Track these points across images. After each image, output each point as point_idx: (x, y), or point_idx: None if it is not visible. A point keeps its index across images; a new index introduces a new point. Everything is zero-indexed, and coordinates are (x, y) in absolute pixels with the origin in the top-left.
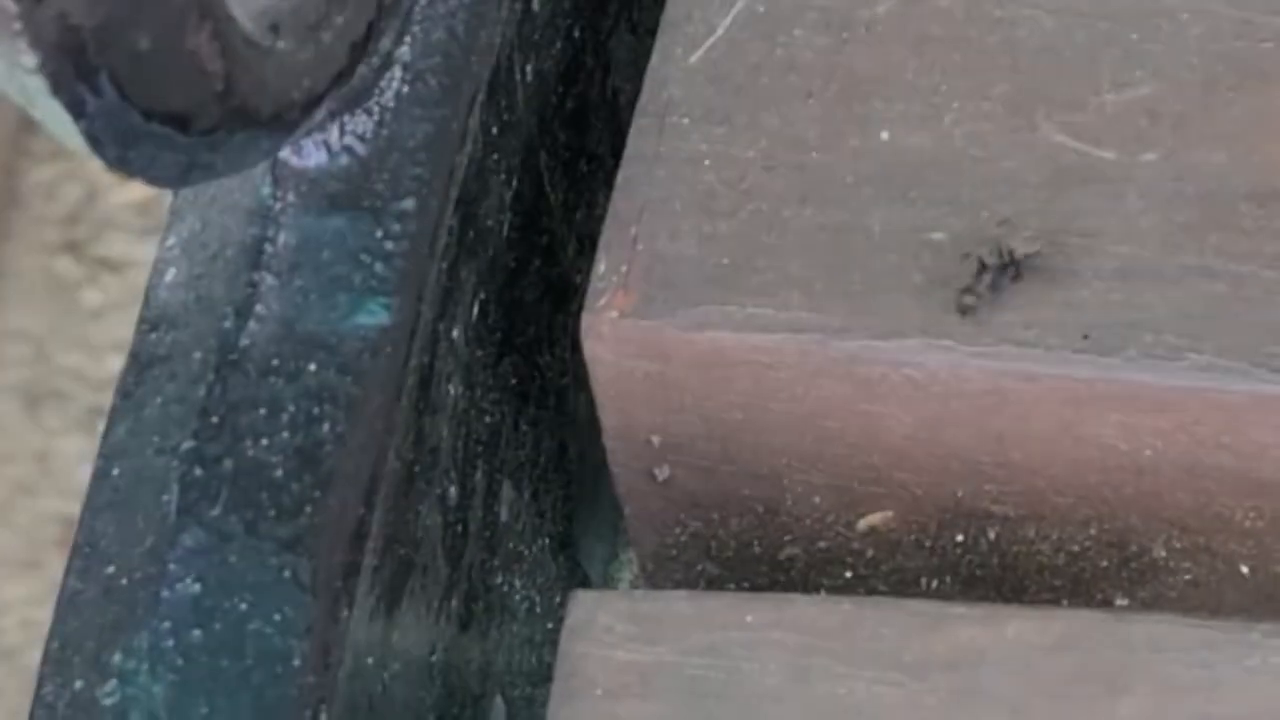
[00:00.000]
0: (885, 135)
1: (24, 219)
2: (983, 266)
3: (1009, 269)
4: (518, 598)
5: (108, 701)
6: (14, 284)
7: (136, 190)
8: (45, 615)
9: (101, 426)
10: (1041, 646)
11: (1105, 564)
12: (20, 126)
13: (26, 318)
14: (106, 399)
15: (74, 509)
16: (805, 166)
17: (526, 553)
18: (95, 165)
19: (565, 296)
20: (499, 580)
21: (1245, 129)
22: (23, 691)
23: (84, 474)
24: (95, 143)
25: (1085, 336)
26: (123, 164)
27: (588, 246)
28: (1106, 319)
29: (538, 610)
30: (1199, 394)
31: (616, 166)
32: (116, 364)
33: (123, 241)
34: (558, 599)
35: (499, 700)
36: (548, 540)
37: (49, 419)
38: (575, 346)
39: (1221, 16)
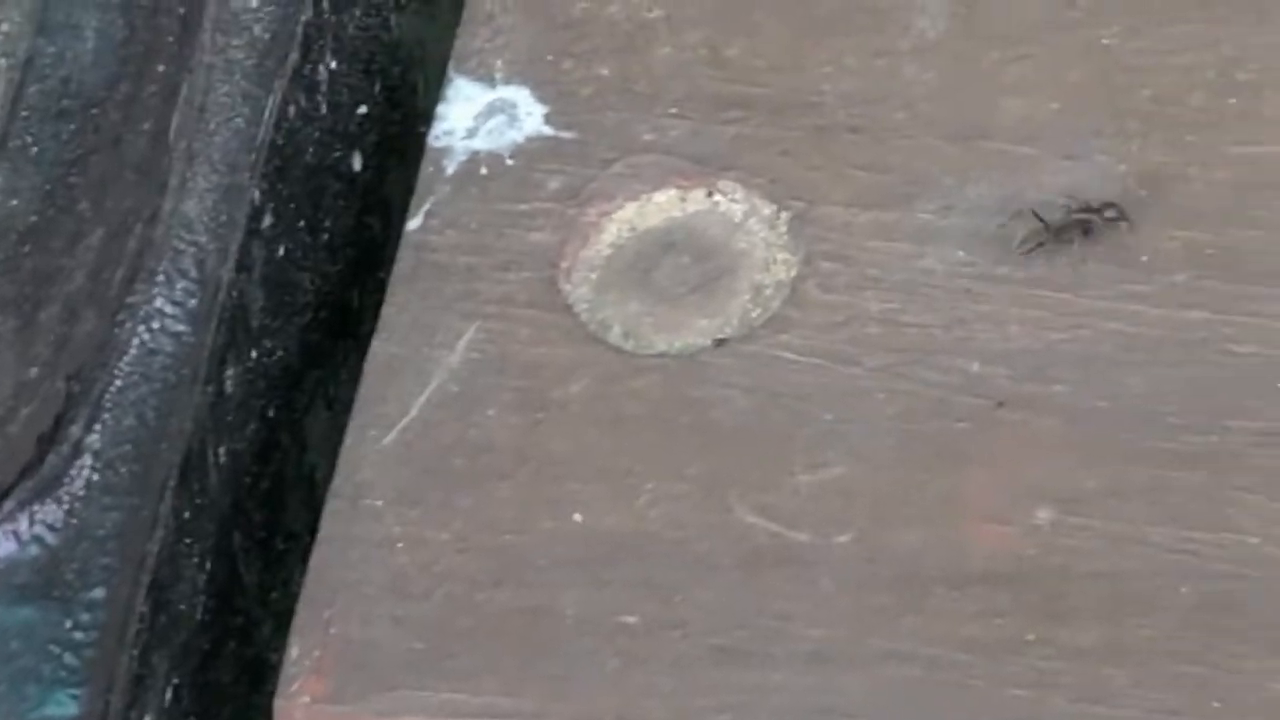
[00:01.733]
0: (579, 517)
1: None
2: None
3: None
4: None
5: None
6: None
7: None
8: None
9: None
10: None
11: None
12: None
13: None
14: None
15: None
16: (499, 549)
17: None
18: None
19: (262, 676)
20: None
21: (939, 510)
22: None
23: None
24: None
25: None
26: None
27: (284, 625)
28: (801, 703)
29: None
30: None
31: (313, 544)
32: None
33: None
34: None
35: None
36: None
37: None
38: None
39: (918, 396)
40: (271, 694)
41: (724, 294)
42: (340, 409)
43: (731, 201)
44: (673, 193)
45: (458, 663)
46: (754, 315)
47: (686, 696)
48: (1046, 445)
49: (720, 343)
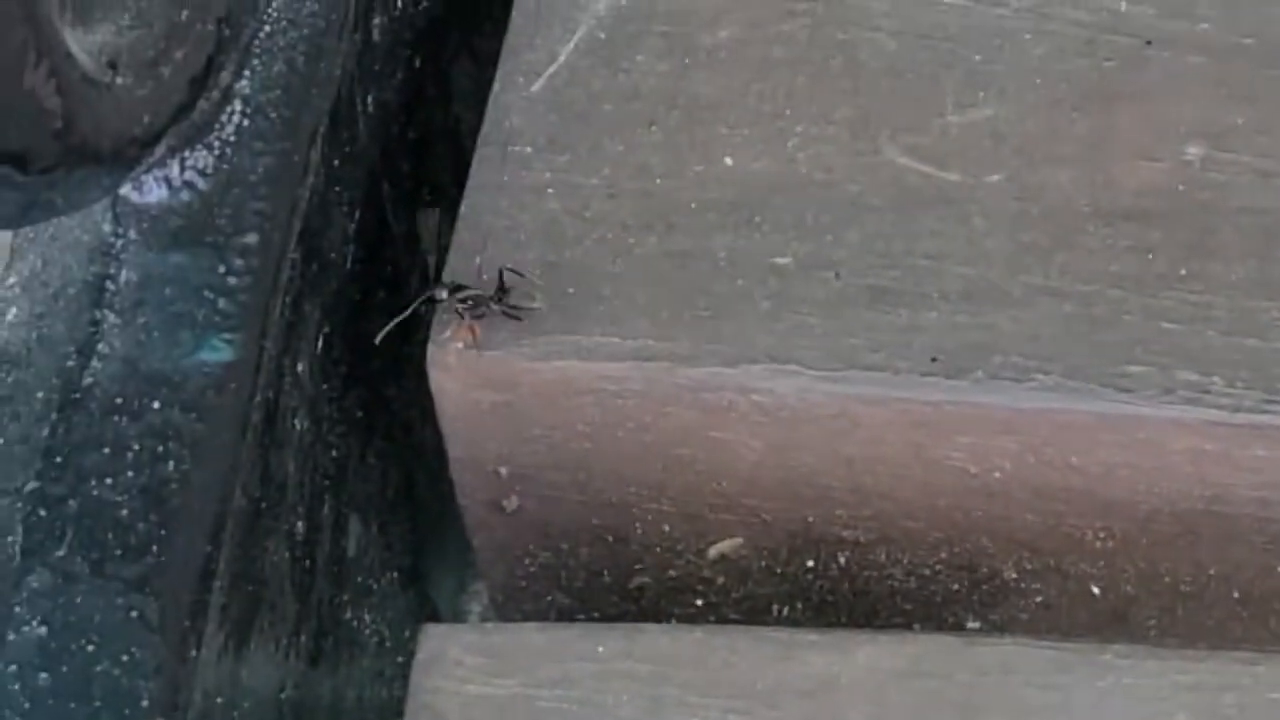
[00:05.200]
0: (729, 161)
1: None
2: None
3: None
4: (367, 632)
5: None
6: None
7: None
8: None
9: None
10: (893, 671)
11: (956, 587)
12: None
13: None
14: None
15: None
16: (649, 193)
17: (375, 586)
18: None
19: (411, 328)
20: (348, 615)
21: (1089, 149)
22: None
23: None
24: None
25: (933, 359)
26: None
27: (433, 277)
28: (954, 341)
29: (387, 644)
30: (1047, 415)
31: (460, 195)
32: None
33: None
34: (408, 633)
35: None
36: (396, 573)
37: None
38: (421, 378)
39: (1065, 36)
40: (421, 344)
41: None
42: (485, 61)
43: None
44: None
45: (609, 306)
46: None
47: (838, 336)
48: (1194, 81)
49: None
